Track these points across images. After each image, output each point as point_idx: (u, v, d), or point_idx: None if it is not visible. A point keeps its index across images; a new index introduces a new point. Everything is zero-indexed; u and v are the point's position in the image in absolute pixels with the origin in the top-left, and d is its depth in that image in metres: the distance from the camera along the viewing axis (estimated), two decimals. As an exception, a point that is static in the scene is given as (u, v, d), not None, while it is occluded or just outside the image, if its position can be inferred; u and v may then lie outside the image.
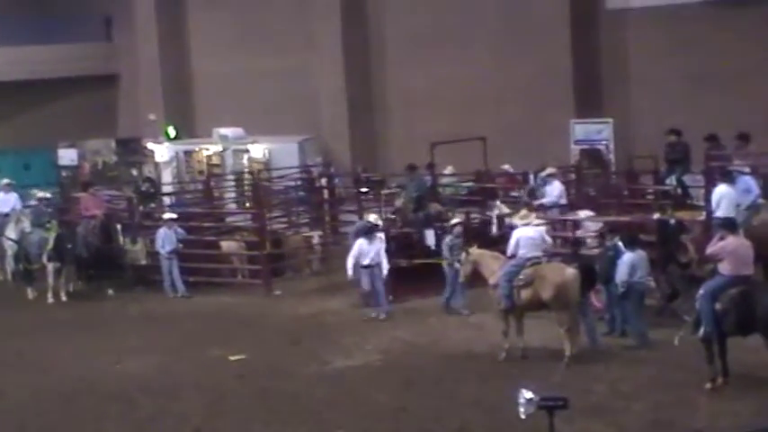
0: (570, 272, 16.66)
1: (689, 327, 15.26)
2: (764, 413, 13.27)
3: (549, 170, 22.69)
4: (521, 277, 16.73)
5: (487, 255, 17.82)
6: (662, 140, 21.96)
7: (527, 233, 17.07)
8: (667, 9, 26.64)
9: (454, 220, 20.63)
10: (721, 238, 15.10)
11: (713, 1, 26.14)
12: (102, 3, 37.05)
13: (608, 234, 18.36)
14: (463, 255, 18.33)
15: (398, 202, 23.57)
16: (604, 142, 26.22)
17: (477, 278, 18.02)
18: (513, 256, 17.02)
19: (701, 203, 19.59)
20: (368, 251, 20.02)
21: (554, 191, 22.08)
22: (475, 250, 18.03)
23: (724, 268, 14.75)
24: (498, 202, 22.33)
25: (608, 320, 17.78)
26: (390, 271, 20.51)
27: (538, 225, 17.65)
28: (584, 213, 21.07)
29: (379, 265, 20.01)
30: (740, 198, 18.45)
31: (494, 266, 17.30)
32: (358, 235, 20.81)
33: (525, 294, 16.71)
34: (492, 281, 17.23)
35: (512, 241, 17.16)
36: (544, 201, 22.02)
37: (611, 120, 26.49)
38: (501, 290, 16.83)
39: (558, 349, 16.48)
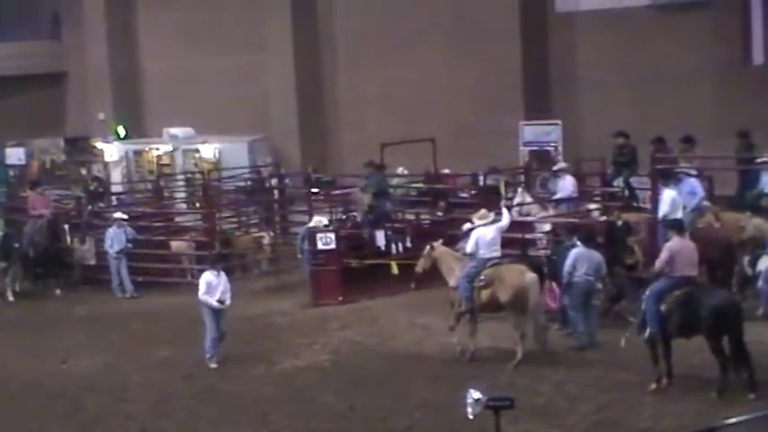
0: (530, 276, 16.58)
1: (634, 328, 15.39)
2: (707, 413, 13.42)
3: (561, 164, 22.65)
4: (481, 278, 16.68)
5: (450, 254, 17.68)
6: (610, 143, 22.12)
7: (486, 233, 16.94)
8: (614, 12, 26.83)
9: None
10: (667, 240, 15.27)
11: (659, 5, 26.39)
12: (50, 0, 36.70)
13: (567, 234, 18.34)
14: (426, 248, 17.99)
15: (366, 199, 22.71)
16: (553, 144, 26.37)
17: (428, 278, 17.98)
18: (472, 255, 16.92)
19: (648, 206, 19.76)
20: (216, 285, 17.52)
21: (567, 185, 21.80)
22: (439, 246, 17.87)
23: (669, 270, 14.90)
24: (520, 190, 21.78)
25: (561, 318, 17.77)
26: (340, 271, 20.36)
27: (500, 223, 17.27)
28: (593, 206, 20.96)
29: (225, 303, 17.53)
30: (685, 200, 18.63)
31: (455, 267, 17.18)
32: (306, 238, 20.51)
33: (484, 295, 16.68)
34: (452, 282, 17.15)
35: (470, 241, 17.04)
36: (558, 195, 21.86)
37: (559, 122, 26.66)
38: (462, 291, 16.77)
39: (507, 349, 16.55)
